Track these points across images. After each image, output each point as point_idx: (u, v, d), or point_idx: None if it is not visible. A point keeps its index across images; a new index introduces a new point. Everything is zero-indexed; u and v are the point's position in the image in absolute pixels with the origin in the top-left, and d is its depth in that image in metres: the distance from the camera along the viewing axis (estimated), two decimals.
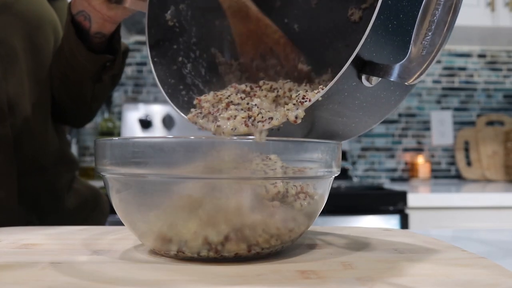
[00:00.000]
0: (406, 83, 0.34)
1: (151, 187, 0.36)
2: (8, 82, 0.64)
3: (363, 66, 0.36)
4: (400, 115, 1.98)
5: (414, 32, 0.32)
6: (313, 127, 0.41)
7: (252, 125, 0.38)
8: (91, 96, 0.73)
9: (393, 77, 0.34)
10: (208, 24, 0.52)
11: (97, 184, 1.42)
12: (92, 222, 0.78)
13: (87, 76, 0.68)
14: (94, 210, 0.81)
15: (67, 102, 0.74)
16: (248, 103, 0.40)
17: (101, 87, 0.72)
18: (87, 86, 0.70)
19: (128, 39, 1.89)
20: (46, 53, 0.70)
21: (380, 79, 0.36)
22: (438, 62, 2.00)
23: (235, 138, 0.36)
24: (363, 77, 0.36)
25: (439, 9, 0.31)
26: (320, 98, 0.36)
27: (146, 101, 1.88)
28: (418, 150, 1.98)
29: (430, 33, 0.32)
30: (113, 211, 0.60)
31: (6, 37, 0.64)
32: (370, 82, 0.36)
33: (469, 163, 1.95)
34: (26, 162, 0.67)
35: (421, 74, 0.33)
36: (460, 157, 1.95)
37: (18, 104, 0.65)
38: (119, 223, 0.50)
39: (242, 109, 0.40)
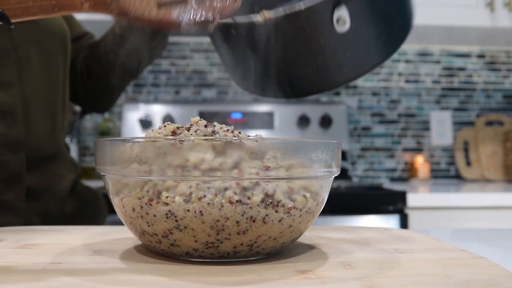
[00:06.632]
0: None
1: (151, 187, 0.36)
2: (22, 87, 0.67)
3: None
4: (399, 115, 1.98)
5: None
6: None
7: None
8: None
9: None
10: None
11: (98, 184, 1.41)
12: (92, 223, 0.78)
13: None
14: (94, 212, 0.82)
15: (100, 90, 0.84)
16: None
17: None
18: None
19: None
20: (56, 59, 0.73)
21: (348, 26, 0.38)
22: (438, 62, 2.00)
23: (236, 138, 0.36)
24: (335, 16, 0.38)
25: None
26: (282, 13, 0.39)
27: (146, 101, 1.88)
28: (418, 150, 1.98)
29: None
30: (111, 212, 0.61)
31: (20, 44, 0.67)
32: (340, 24, 0.38)
33: (468, 163, 1.95)
34: (34, 164, 0.69)
35: None
36: (459, 157, 1.95)
37: (30, 107, 0.68)
38: (118, 223, 0.50)
39: None
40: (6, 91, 0.65)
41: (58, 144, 0.75)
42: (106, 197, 0.82)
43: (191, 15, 0.38)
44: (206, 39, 1.78)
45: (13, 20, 0.38)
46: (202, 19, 0.39)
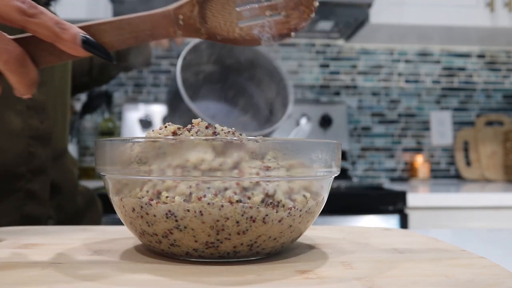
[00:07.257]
0: None
1: (151, 187, 0.36)
2: (51, 86, 0.74)
3: None
4: (399, 115, 1.98)
5: None
6: None
7: None
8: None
9: None
10: None
11: (98, 184, 1.41)
12: (90, 222, 0.82)
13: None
14: (91, 211, 0.85)
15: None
16: None
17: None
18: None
19: None
20: (68, 63, 0.82)
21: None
22: (438, 62, 2.00)
23: (236, 138, 0.36)
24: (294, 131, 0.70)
25: None
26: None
27: (146, 101, 1.88)
28: (418, 150, 1.98)
29: None
30: (109, 212, 0.62)
31: None
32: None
33: (468, 163, 1.95)
34: (55, 159, 0.74)
35: None
36: (459, 157, 1.95)
37: (53, 104, 0.75)
38: (116, 222, 0.50)
39: None
40: (40, 89, 0.71)
41: (67, 141, 0.81)
42: (101, 197, 0.85)
43: (270, 31, 0.42)
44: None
45: (110, 50, 0.40)
46: (280, 33, 0.42)
